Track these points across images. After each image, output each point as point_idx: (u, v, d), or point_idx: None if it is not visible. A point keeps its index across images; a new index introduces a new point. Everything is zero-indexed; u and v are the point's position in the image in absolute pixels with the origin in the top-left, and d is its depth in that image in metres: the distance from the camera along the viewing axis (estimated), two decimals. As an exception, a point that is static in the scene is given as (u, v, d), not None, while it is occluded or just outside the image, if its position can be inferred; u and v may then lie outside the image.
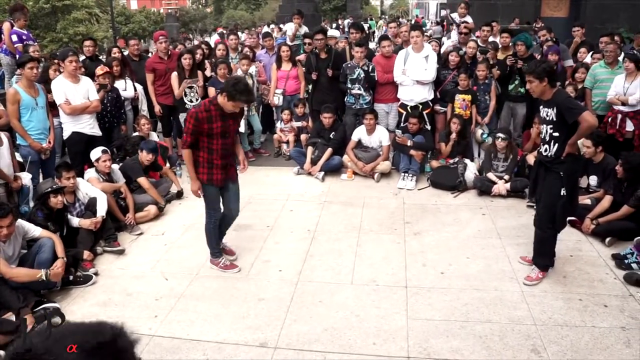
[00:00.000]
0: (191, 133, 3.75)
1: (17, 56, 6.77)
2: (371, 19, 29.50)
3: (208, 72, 6.87)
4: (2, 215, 3.50)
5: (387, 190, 5.89)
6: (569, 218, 4.34)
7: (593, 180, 5.14)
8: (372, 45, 12.73)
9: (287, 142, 7.10)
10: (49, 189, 4.21)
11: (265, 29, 13.80)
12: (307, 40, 7.35)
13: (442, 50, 7.49)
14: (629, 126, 5.54)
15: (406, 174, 6.01)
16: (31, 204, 4.59)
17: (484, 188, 5.61)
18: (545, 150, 3.77)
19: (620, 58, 5.91)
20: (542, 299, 3.64)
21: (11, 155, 4.62)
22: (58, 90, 5.17)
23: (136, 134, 6.27)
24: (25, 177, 4.76)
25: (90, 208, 4.61)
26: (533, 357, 3.05)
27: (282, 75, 7.19)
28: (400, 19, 27.44)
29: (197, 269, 4.20)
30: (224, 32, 14.39)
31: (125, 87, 6.63)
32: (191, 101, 6.39)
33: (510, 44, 6.83)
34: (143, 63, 6.95)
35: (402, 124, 6.43)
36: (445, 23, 13.51)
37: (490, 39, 7.61)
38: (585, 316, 3.43)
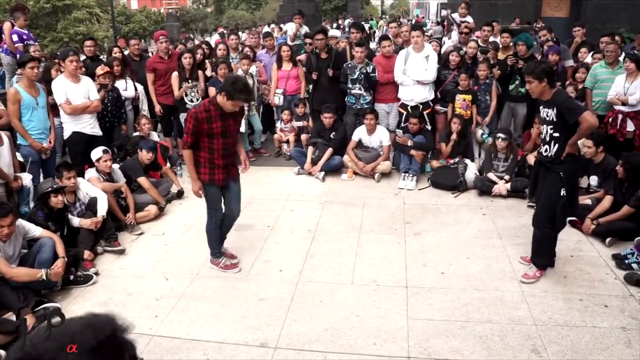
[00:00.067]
0: (191, 133, 3.75)
1: (18, 56, 6.78)
2: (372, 19, 29.56)
3: (209, 72, 6.87)
4: (2, 214, 3.50)
5: (388, 190, 5.88)
6: (569, 218, 4.35)
7: (593, 180, 5.14)
8: (372, 45, 12.73)
9: (288, 142, 7.11)
10: (50, 189, 4.21)
11: (266, 28, 13.76)
12: (307, 40, 7.35)
13: (443, 50, 7.48)
14: (630, 126, 5.54)
15: (406, 174, 6.01)
16: (31, 205, 4.59)
17: (484, 188, 5.61)
18: (546, 151, 3.77)
19: (621, 58, 5.91)
20: (542, 299, 3.64)
21: (12, 155, 4.62)
22: (58, 90, 5.17)
23: (137, 133, 6.27)
24: (26, 178, 4.76)
25: (90, 208, 4.62)
26: (533, 357, 3.05)
27: (282, 75, 7.19)
28: (401, 19, 27.48)
29: (197, 269, 4.20)
30: (225, 32, 14.36)
31: (126, 87, 6.62)
32: (192, 101, 6.39)
33: (511, 44, 6.82)
34: (143, 63, 6.95)
35: (402, 124, 6.43)
36: (445, 23, 13.50)
37: (491, 39, 7.60)
38: (585, 316, 3.43)
